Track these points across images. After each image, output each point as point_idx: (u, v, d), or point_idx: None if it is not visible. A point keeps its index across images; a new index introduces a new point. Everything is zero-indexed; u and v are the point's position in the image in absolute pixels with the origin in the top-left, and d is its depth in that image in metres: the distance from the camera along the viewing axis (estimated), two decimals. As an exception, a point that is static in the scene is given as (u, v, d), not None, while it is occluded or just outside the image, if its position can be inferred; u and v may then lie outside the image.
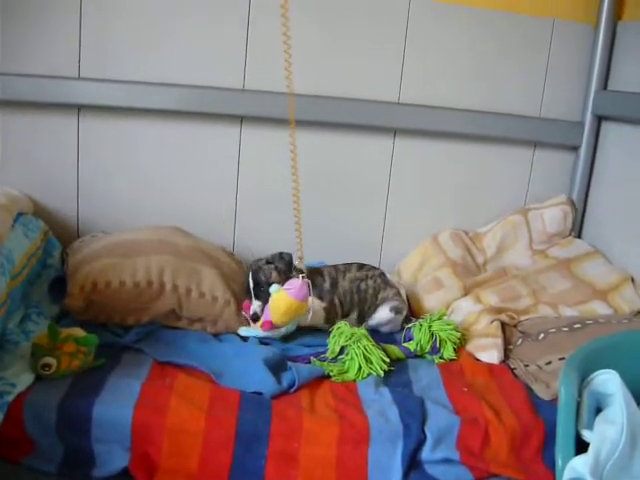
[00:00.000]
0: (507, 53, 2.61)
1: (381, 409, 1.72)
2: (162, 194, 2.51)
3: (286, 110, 2.40)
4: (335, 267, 2.28)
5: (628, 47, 2.55)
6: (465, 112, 2.60)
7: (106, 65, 2.34)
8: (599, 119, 2.68)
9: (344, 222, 2.66)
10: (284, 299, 1.95)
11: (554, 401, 1.83)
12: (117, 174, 2.46)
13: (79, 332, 1.72)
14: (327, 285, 2.20)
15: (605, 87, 2.65)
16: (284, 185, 2.52)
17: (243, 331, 2.06)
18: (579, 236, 2.75)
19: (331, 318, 2.16)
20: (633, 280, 2.41)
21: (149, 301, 1.99)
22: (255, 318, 2.05)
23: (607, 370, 1.59)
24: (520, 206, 2.74)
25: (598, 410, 1.60)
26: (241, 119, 2.48)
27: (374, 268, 2.33)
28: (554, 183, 2.76)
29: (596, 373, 1.60)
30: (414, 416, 1.69)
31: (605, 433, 1.49)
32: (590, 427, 1.53)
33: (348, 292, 2.22)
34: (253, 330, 2.05)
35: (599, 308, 2.32)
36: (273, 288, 2.01)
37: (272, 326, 1.99)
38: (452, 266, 2.52)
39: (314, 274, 2.18)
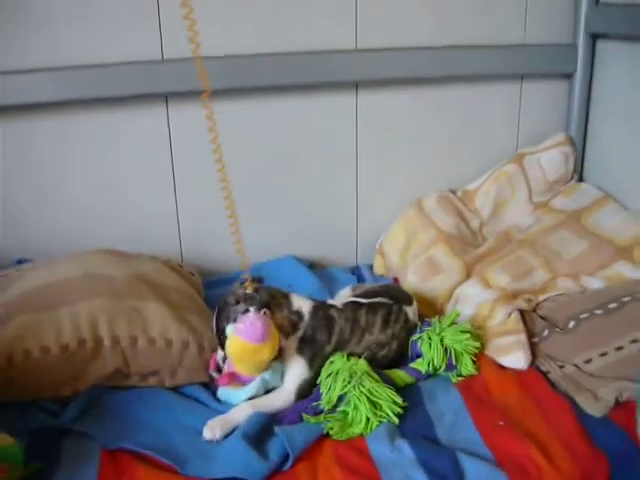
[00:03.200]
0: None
1: (404, 477, 1.33)
2: (82, 203, 2.03)
3: (221, 78, 1.96)
4: (354, 315, 1.67)
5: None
6: (436, 50, 2.17)
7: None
8: (594, 39, 2.27)
9: (309, 201, 2.24)
10: (235, 342, 1.50)
11: (607, 419, 1.48)
12: (21, 185, 1.97)
13: (-3, 440, 1.28)
14: (329, 349, 1.62)
15: (598, 0, 2.22)
16: (231, 168, 2.09)
17: (223, 394, 1.58)
18: (580, 179, 2.37)
19: (301, 397, 1.58)
20: (656, 228, 2.05)
21: (84, 365, 1.54)
22: (220, 371, 1.60)
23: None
24: (512, 152, 2.34)
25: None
26: (165, 97, 1.99)
27: (399, 309, 1.74)
28: (547, 120, 2.36)
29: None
30: (449, 482, 1.31)
31: None
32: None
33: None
34: (234, 391, 1.57)
35: (625, 270, 1.96)
36: (228, 330, 1.55)
37: (232, 379, 1.55)
38: (447, 241, 2.11)
39: (319, 321, 1.63)
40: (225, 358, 1.58)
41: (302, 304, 1.63)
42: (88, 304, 1.58)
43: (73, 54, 1.86)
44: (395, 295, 1.79)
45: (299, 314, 1.60)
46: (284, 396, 1.56)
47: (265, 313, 1.51)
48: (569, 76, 2.30)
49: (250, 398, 1.53)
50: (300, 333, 1.60)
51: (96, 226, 2.03)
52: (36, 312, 1.56)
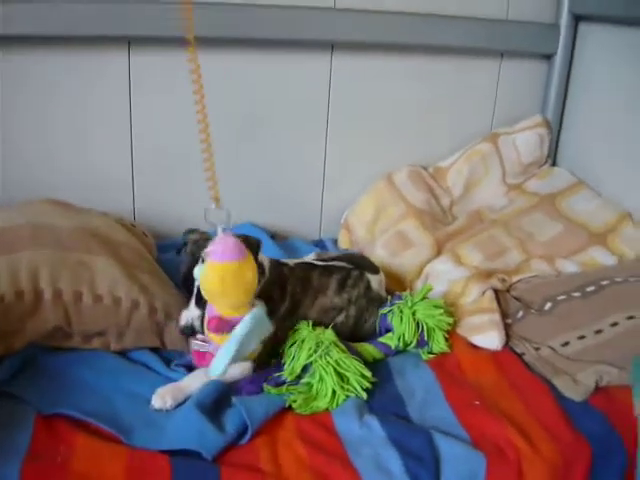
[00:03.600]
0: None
1: (375, 455, 1.21)
2: (30, 151, 1.85)
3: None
4: (306, 275, 1.57)
5: None
6: (417, 17, 2.05)
7: None
8: (577, 20, 2.19)
9: (272, 166, 2.10)
10: (212, 270, 1.29)
11: (587, 403, 1.41)
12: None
13: None
14: (284, 308, 1.51)
15: (582, -19, 2.15)
16: (190, 126, 1.95)
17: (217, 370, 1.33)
18: (554, 164, 2.29)
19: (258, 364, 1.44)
20: (630, 216, 1.98)
21: (21, 319, 1.37)
22: (189, 332, 1.40)
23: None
24: (487, 131, 2.25)
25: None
26: (128, 41, 1.83)
27: (360, 275, 1.63)
28: (525, 100, 2.28)
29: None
30: (424, 462, 1.20)
31: None
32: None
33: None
34: (222, 360, 1.31)
35: (600, 256, 1.89)
36: (197, 271, 1.37)
37: (221, 323, 1.33)
38: (417, 215, 2.01)
39: (275, 278, 1.51)
40: (202, 317, 1.39)
41: (262, 258, 1.49)
42: (29, 254, 1.42)
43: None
44: (358, 262, 1.68)
45: (262, 267, 1.46)
46: (241, 363, 1.42)
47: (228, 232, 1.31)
48: (549, 57, 2.22)
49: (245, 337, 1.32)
50: (259, 289, 1.45)
51: (44, 176, 1.86)
52: (-30, 259, 1.39)
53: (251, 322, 1.33)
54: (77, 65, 1.81)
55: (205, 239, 1.43)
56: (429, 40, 2.08)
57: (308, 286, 1.56)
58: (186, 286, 1.43)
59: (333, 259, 1.68)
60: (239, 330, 1.31)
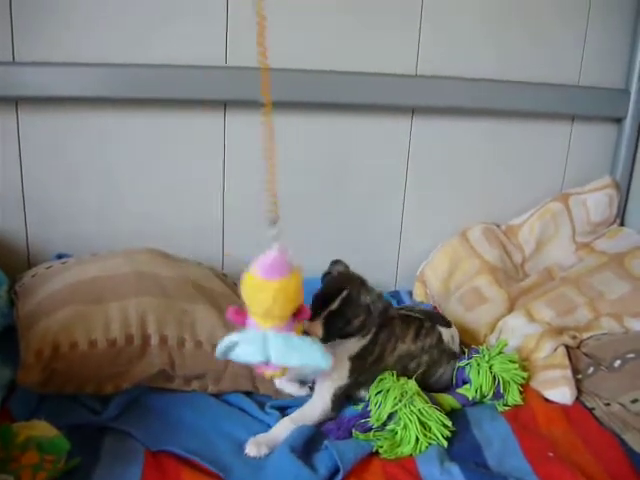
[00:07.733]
0: (539, 12, 2.17)
1: (456, 500, 1.30)
2: (129, 202, 2.02)
3: (282, 90, 1.96)
4: (390, 323, 1.65)
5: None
6: (492, 83, 2.16)
7: (45, 44, 1.83)
8: (647, 86, 2.27)
9: (353, 218, 2.22)
10: (247, 278, 1.20)
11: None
12: (72, 180, 1.96)
13: (43, 429, 1.24)
14: (372, 358, 1.60)
15: (655, 47, 2.23)
16: (281, 183, 2.10)
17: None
18: (622, 224, 2.36)
19: (337, 406, 1.57)
20: (698, 278, 2.03)
21: (130, 362, 1.51)
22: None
23: None
24: (557, 190, 2.33)
25: None
26: (224, 104, 1.99)
27: (432, 327, 1.72)
28: (595, 162, 2.36)
29: None
30: (502, 510, 1.28)
31: None
32: None
33: (390, 370, 1.61)
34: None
35: (668, 315, 1.94)
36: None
37: (241, 315, 1.24)
38: (491, 272, 2.10)
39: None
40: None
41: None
42: (138, 301, 1.56)
43: (120, 52, 1.87)
44: (430, 316, 1.77)
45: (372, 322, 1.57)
46: (321, 405, 1.53)
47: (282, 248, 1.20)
48: (619, 121, 2.30)
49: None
50: (366, 341, 1.57)
51: (137, 226, 2.02)
52: (85, 304, 1.54)
53: (249, 339, 1.21)
54: (175, 124, 1.98)
55: (348, 272, 1.62)
56: (505, 105, 2.19)
57: (392, 334, 1.65)
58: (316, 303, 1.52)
59: (408, 310, 1.77)
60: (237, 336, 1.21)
